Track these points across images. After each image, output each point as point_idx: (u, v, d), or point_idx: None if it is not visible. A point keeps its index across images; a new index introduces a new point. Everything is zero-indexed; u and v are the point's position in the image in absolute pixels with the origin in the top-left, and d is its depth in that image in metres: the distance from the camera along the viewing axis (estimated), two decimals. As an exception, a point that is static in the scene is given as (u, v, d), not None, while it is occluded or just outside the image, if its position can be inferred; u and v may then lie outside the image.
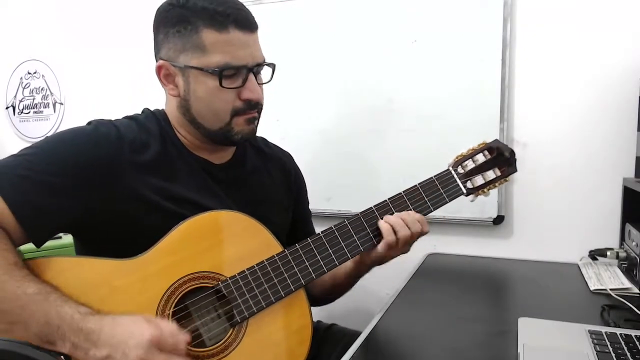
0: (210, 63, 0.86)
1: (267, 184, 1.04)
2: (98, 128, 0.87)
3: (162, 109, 0.97)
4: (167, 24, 0.88)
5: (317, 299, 1.09)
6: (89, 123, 0.90)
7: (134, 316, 0.74)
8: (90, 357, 0.70)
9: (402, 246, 0.93)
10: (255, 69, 0.90)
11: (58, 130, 1.08)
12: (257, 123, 0.95)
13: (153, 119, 0.94)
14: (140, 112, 0.97)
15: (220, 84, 0.86)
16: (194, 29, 0.86)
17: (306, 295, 0.89)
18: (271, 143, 1.13)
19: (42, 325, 0.70)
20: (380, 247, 0.92)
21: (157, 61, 0.91)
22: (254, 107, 0.92)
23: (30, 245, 0.82)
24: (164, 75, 0.91)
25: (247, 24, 0.88)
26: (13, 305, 0.71)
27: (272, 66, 0.95)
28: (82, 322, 0.71)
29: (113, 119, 0.92)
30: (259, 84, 0.92)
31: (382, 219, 0.93)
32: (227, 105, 0.89)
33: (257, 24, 0.91)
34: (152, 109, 0.98)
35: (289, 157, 1.14)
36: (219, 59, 0.86)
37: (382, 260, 0.96)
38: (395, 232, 0.91)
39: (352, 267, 1.01)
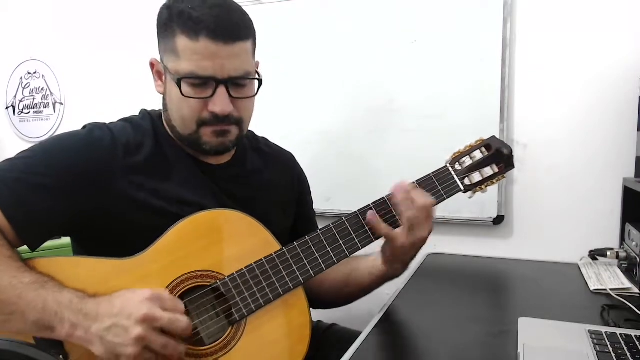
0: (179, 69, 0.85)
1: (267, 184, 1.03)
2: (92, 132, 0.88)
3: (159, 110, 0.97)
4: (158, 23, 0.90)
5: (328, 301, 1.08)
6: (84, 127, 0.90)
7: (129, 288, 0.75)
8: (93, 332, 0.70)
9: (418, 225, 0.90)
10: (229, 81, 0.86)
11: (57, 131, 1.08)
12: (236, 135, 0.91)
13: (149, 120, 0.95)
14: (137, 114, 0.97)
15: (181, 92, 0.85)
16: (171, 32, 0.85)
17: (305, 294, 0.89)
18: (272, 143, 1.13)
19: (40, 312, 0.71)
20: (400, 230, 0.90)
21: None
22: (223, 120, 0.88)
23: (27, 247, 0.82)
24: (156, 71, 0.93)
25: (223, 33, 0.83)
26: (10, 294, 0.71)
27: (259, 80, 0.91)
28: (81, 304, 0.72)
29: (108, 121, 0.93)
30: (234, 97, 0.87)
31: (379, 215, 0.92)
32: (192, 113, 0.87)
33: (245, 34, 0.86)
34: (149, 109, 0.98)
35: (290, 157, 1.14)
36: (185, 67, 0.84)
37: (406, 250, 0.93)
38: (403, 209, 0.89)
39: (382, 269, 0.98)
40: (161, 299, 0.73)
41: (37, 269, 0.76)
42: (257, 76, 0.91)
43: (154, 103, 0.99)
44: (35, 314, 0.71)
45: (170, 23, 0.85)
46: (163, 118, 0.95)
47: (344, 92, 1.51)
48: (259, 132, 1.13)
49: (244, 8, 0.90)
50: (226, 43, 0.83)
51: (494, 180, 0.99)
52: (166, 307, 0.73)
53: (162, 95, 0.93)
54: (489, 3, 1.34)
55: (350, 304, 1.10)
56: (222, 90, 0.85)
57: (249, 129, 1.04)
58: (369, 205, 0.93)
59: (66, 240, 0.94)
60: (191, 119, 0.88)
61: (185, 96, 0.85)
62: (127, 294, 0.73)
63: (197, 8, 0.83)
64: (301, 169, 1.15)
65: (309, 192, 1.16)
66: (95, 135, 0.87)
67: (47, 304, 0.71)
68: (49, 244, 0.87)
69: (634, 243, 1.10)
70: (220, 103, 0.86)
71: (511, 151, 0.99)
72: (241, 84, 0.88)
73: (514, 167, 1.00)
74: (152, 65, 0.93)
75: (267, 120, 1.53)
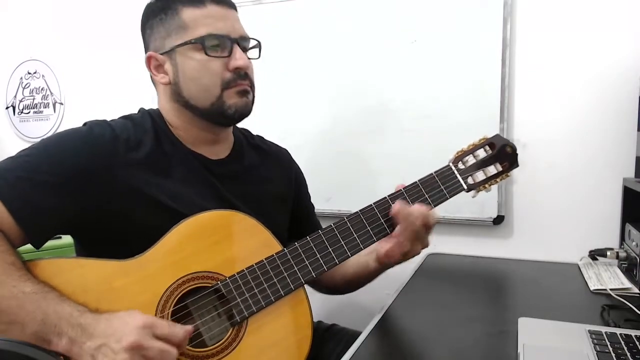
0: (193, 36, 0.89)
1: (265, 179, 1.04)
2: (93, 129, 0.88)
3: (157, 108, 0.98)
4: (151, 16, 0.93)
5: (336, 288, 1.10)
6: (85, 124, 0.90)
7: (130, 310, 0.75)
8: (85, 350, 0.70)
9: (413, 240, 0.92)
10: (240, 42, 0.92)
11: (57, 131, 1.09)
12: (252, 99, 0.96)
13: (148, 117, 0.95)
14: (136, 112, 0.98)
15: (206, 53, 0.89)
16: (173, 11, 0.90)
17: (306, 294, 0.89)
18: (268, 140, 1.13)
19: (39, 324, 0.71)
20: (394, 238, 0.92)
21: None
22: (244, 78, 0.92)
23: (30, 246, 0.82)
24: (155, 66, 0.94)
25: (225, 1, 0.92)
26: (10, 304, 0.71)
27: (258, 43, 0.97)
28: (80, 318, 0.72)
29: (109, 119, 0.93)
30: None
31: (380, 215, 0.92)
32: (215, 77, 0.91)
33: (235, 5, 0.95)
34: (147, 108, 0.98)
35: (286, 153, 1.15)
36: (200, 32, 0.90)
37: (397, 258, 0.95)
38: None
39: (376, 267, 1.00)
40: (154, 326, 0.72)
41: (40, 272, 0.76)
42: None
43: (154, 103, 0.99)
44: (34, 326, 0.71)
45: (169, 5, 0.91)
46: (166, 116, 0.96)
47: (344, 92, 1.51)
48: (259, 132, 1.13)
49: (244, 8, 0.92)
50: (230, 8, 0.93)
51: (498, 179, 0.98)
52: (158, 334, 0.72)
53: (166, 86, 0.94)
54: (489, 3, 1.34)
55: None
56: (237, 47, 0.92)
57: (245, 127, 1.04)
58: (370, 205, 0.92)
59: (68, 240, 0.94)
60: (214, 84, 0.91)
61: (211, 56, 0.89)
62: (125, 317, 0.73)
63: None
64: (297, 165, 1.15)
65: (307, 187, 1.17)
66: (95, 132, 0.87)
67: (47, 317, 0.71)
68: (51, 243, 0.87)
69: (634, 243, 1.10)
70: (241, 57, 0.91)
71: (515, 149, 0.98)
72: (247, 47, 0.95)
73: (518, 165, 0.99)
74: (149, 60, 0.94)
75: (267, 119, 1.54)
